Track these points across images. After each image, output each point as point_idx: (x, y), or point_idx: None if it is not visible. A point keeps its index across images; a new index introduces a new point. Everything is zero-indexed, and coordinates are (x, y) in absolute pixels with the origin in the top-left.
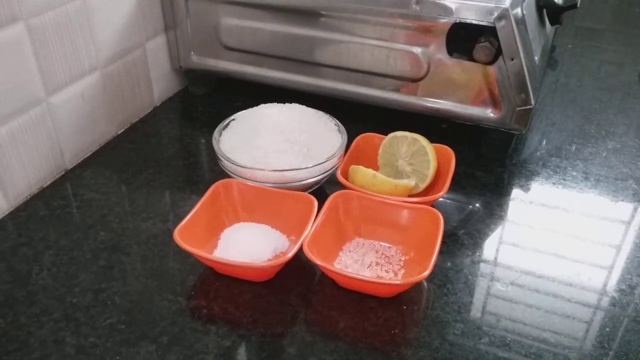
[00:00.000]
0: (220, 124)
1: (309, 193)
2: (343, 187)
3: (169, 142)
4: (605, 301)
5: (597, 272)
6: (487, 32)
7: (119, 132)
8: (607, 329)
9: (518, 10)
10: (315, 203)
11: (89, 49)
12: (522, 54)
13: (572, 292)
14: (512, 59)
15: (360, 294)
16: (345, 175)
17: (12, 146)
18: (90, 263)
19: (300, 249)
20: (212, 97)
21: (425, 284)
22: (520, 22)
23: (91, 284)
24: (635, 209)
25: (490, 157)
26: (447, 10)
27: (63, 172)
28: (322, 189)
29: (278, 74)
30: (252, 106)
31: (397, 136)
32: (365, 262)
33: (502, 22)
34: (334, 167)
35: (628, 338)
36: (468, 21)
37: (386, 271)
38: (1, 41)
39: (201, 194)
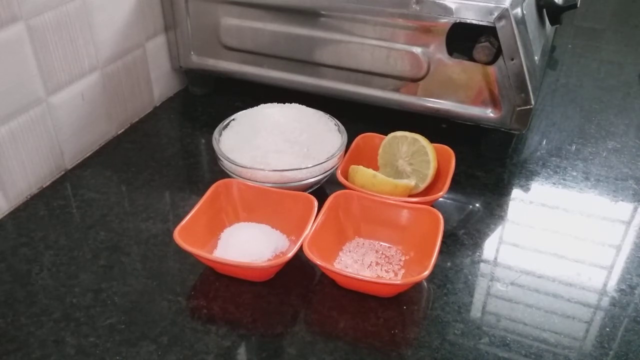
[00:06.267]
0: (220, 124)
1: (309, 193)
2: (343, 187)
3: (169, 142)
4: (605, 301)
5: (597, 272)
6: (487, 32)
7: (119, 132)
8: (607, 329)
9: (518, 10)
10: (315, 203)
11: (89, 49)
12: (522, 54)
13: (572, 292)
14: (512, 59)
15: (360, 294)
16: (345, 175)
17: (12, 146)
18: (90, 263)
19: (300, 249)
20: (212, 97)
21: (425, 284)
22: (520, 22)
23: (91, 284)
24: (635, 209)
25: (490, 157)
26: (447, 10)
27: (63, 172)
28: (322, 189)
29: (278, 74)
30: (252, 106)
31: (397, 136)
32: (365, 262)
33: (502, 22)
34: (334, 167)
35: (628, 338)
36: (468, 21)
37: (386, 271)
38: (1, 41)
39: (201, 194)
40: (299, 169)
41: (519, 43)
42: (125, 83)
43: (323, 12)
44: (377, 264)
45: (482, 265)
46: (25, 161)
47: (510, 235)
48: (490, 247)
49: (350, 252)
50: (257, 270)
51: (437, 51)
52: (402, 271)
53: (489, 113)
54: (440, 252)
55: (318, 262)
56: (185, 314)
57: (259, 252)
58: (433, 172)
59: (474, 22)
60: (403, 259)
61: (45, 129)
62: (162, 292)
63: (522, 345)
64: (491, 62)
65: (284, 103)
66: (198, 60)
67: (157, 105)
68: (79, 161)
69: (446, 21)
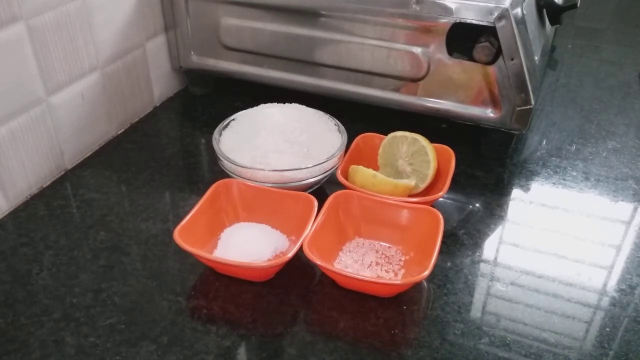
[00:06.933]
0: (220, 124)
1: (309, 193)
2: (343, 187)
3: (169, 142)
4: (605, 301)
5: (597, 272)
6: (487, 32)
7: (119, 132)
8: (607, 329)
9: (518, 10)
10: (315, 203)
11: (89, 49)
12: (522, 54)
13: (572, 292)
14: (512, 59)
15: (360, 294)
16: (345, 175)
17: (12, 146)
18: (90, 263)
19: (300, 249)
20: (212, 97)
21: (425, 284)
22: (520, 22)
23: (91, 284)
24: (635, 209)
25: (490, 157)
26: (447, 10)
27: (63, 172)
28: (322, 189)
29: (278, 74)
30: (252, 106)
31: (397, 136)
32: (365, 262)
33: (502, 22)
34: (334, 167)
35: (628, 338)
36: (468, 21)
37: (386, 271)
38: (1, 41)
39: (201, 194)
40: (299, 169)
41: (519, 43)
42: (125, 83)
43: (323, 12)
44: (377, 264)
45: (482, 265)
46: (25, 161)
47: (510, 235)
48: (490, 247)
49: (350, 252)
50: (257, 270)
51: (437, 51)
52: (402, 271)
53: (489, 113)
54: (440, 252)
55: (318, 262)
56: (185, 314)
57: (259, 252)
58: (433, 172)
59: (474, 22)
60: (403, 259)
61: (45, 129)
62: (162, 292)
63: (522, 345)
64: (491, 62)
65: (284, 103)
66: (198, 60)
67: (157, 105)
68: (79, 161)
69: (446, 21)
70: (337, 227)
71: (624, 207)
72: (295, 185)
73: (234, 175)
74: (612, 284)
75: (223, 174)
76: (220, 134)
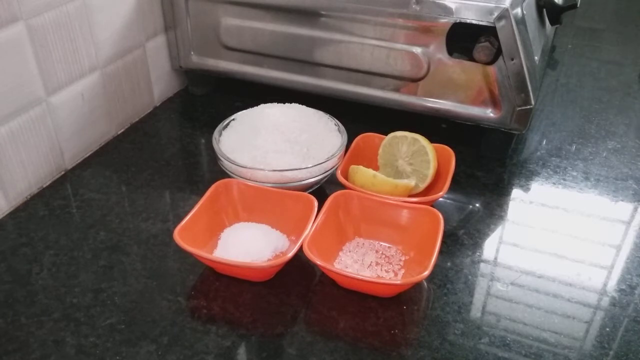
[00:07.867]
0: (220, 124)
1: (309, 193)
2: (343, 187)
3: (169, 142)
4: (605, 301)
5: (597, 272)
6: (487, 32)
7: (119, 132)
8: (607, 329)
9: (518, 10)
10: (315, 203)
11: (89, 49)
12: (522, 54)
13: (572, 292)
14: (512, 59)
15: (360, 294)
16: (345, 175)
17: (12, 146)
18: (90, 263)
19: (300, 249)
20: (212, 97)
21: (425, 284)
22: (520, 22)
23: (91, 284)
24: (635, 209)
25: (490, 157)
26: (447, 10)
27: (63, 172)
28: (322, 189)
29: (278, 74)
30: (252, 106)
31: (397, 136)
32: (365, 262)
33: (502, 22)
34: (334, 167)
35: (628, 338)
36: (468, 21)
37: (386, 271)
38: (1, 41)
39: (201, 194)
40: (299, 169)
41: (519, 43)
42: (125, 83)
43: (323, 12)
44: (377, 264)
45: (482, 265)
46: (25, 161)
47: (510, 235)
48: (490, 247)
49: (350, 252)
50: (257, 270)
51: (437, 51)
52: (402, 271)
53: (489, 113)
54: (440, 252)
55: (318, 262)
56: (185, 314)
57: (259, 252)
58: (433, 172)
59: (474, 22)
60: (403, 259)
61: (45, 129)
62: (162, 292)
63: (522, 345)
64: (491, 62)
65: (284, 103)
66: (198, 60)
67: (157, 105)
68: (79, 161)
69: (446, 21)
70: (337, 227)
71: (624, 207)
72: (295, 185)
73: (234, 175)
74: (612, 284)
75: (223, 174)
76: (220, 134)
